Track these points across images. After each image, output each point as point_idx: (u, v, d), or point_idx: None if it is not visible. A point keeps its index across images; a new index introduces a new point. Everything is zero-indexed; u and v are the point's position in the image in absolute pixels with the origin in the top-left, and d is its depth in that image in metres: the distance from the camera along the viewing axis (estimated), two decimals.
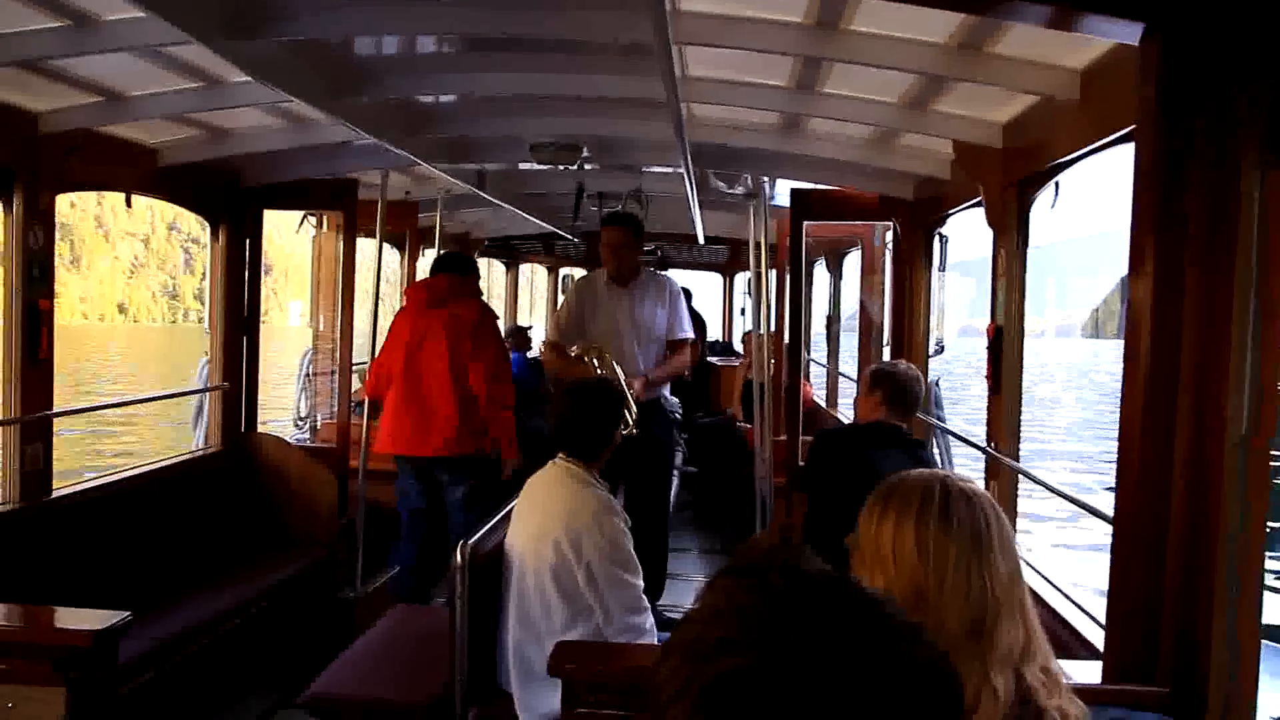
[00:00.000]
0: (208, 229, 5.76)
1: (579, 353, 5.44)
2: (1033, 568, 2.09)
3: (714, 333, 13.60)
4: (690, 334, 5.93)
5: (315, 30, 3.36)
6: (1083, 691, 1.60)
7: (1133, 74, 2.27)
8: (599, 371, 5.16)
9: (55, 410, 4.42)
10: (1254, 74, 1.98)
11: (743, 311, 13.56)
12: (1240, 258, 2.01)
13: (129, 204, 5.15)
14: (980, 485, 1.78)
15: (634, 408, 4.93)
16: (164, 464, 5.36)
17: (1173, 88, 2.11)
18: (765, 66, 3.93)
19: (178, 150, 5.03)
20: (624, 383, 5.08)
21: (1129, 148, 2.46)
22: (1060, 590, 3.38)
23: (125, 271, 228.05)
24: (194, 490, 5.29)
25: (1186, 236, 2.10)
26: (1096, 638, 2.93)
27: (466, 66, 4.16)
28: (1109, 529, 2.48)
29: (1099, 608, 2.85)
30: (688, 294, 7.87)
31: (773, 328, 6.77)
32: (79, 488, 4.61)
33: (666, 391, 5.79)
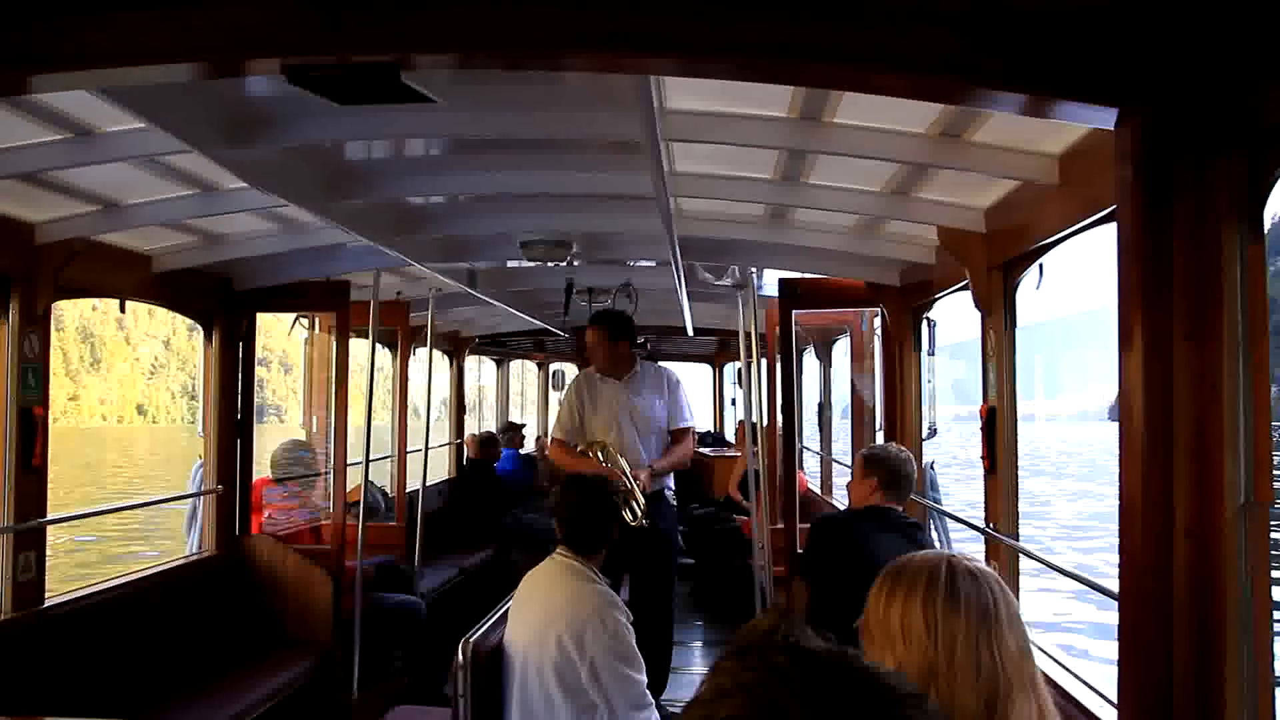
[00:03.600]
0: (200, 332, 5.80)
1: (583, 448, 5.49)
2: (1039, 648, 2.08)
3: (704, 423, 13.61)
4: (692, 421, 5.96)
5: (310, 136, 3.44)
6: None
7: (1110, 156, 2.34)
8: (605, 465, 5.19)
9: (49, 518, 4.38)
10: (1227, 147, 2.04)
11: (733, 402, 13.61)
12: (1227, 327, 2.05)
13: (123, 309, 5.19)
14: (985, 564, 1.79)
15: (642, 500, 4.95)
16: (158, 569, 5.30)
17: (1150, 167, 2.17)
18: (751, 160, 4.02)
19: (172, 256, 5.09)
20: (629, 475, 5.10)
21: (1110, 227, 2.52)
22: (1067, 669, 3.35)
23: (145, 373, 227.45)
24: (189, 595, 5.22)
25: (1173, 311, 2.13)
26: (1109, 716, 2.90)
27: (457, 167, 4.25)
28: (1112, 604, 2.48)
29: (1108, 685, 2.82)
30: None
31: (764, 417, 6.79)
32: (72, 596, 4.54)
33: (670, 482, 5.78)
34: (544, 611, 3.40)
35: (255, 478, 6.09)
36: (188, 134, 3.09)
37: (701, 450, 11.30)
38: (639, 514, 4.98)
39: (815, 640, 0.82)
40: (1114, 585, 2.38)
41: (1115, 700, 2.45)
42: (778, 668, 0.77)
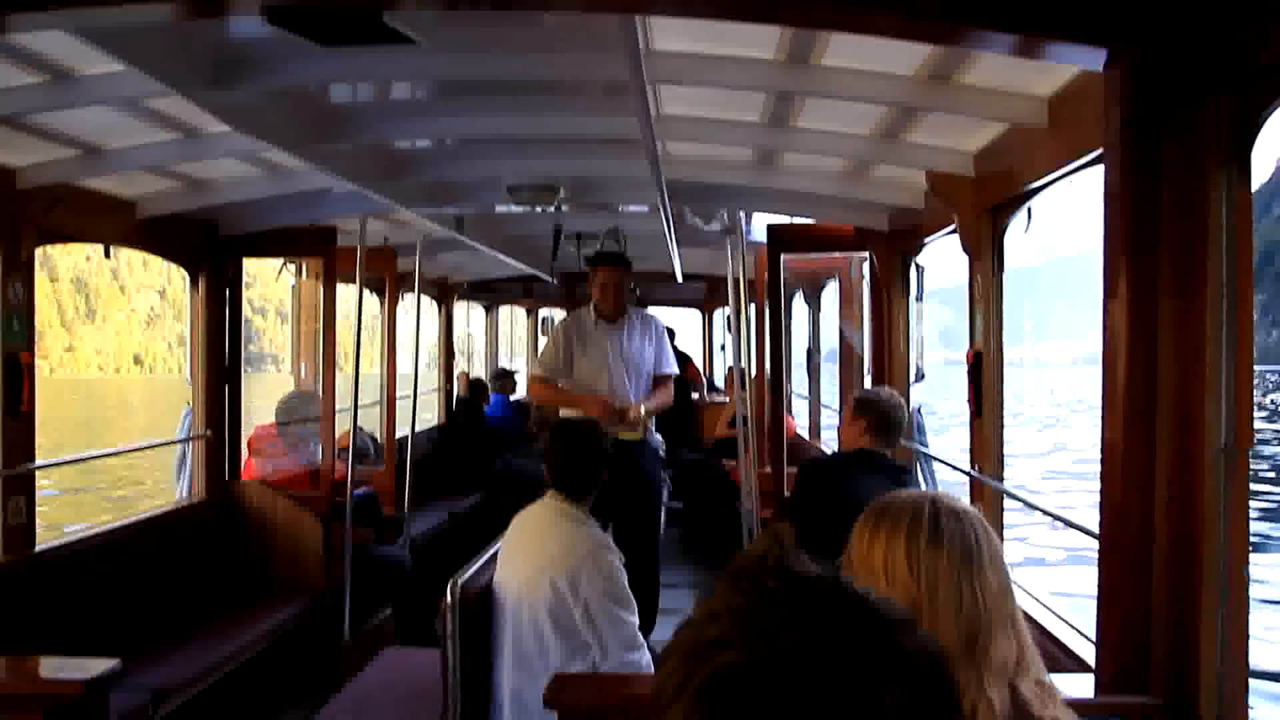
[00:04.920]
0: (187, 279, 5.77)
1: (565, 385, 5.59)
2: (1019, 585, 2.12)
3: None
4: (675, 369, 5.99)
5: (293, 78, 3.39)
6: (1076, 704, 1.62)
7: (1099, 99, 2.33)
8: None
9: (38, 463, 4.39)
10: (1215, 89, 2.04)
11: (722, 347, 13.64)
12: (1212, 272, 2.05)
13: (108, 255, 5.16)
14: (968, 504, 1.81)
15: (634, 411, 5.35)
16: (148, 515, 5.32)
17: (1138, 110, 2.16)
18: (738, 102, 3.99)
19: (156, 202, 5.04)
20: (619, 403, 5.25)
21: (1099, 170, 2.51)
22: (1046, 606, 3.40)
23: (142, 323, 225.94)
24: (180, 540, 5.24)
25: (1159, 255, 2.14)
26: (1086, 652, 2.95)
27: (443, 110, 4.21)
28: (1093, 544, 2.52)
29: (1086, 622, 2.87)
30: (671, 334, 7.94)
31: (753, 362, 6.81)
32: (63, 541, 4.57)
33: (653, 427, 5.82)
34: (537, 554, 3.42)
35: (255, 425, 6.09)
36: (168, 76, 3.05)
37: (691, 395, 11.34)
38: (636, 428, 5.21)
39: (808, 565, 0.82)
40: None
41: (1094, 637, 2.50)
42: (768, 591, 0.78)
